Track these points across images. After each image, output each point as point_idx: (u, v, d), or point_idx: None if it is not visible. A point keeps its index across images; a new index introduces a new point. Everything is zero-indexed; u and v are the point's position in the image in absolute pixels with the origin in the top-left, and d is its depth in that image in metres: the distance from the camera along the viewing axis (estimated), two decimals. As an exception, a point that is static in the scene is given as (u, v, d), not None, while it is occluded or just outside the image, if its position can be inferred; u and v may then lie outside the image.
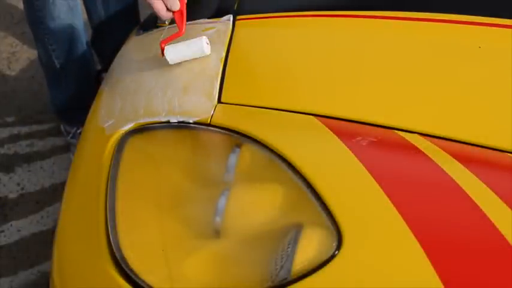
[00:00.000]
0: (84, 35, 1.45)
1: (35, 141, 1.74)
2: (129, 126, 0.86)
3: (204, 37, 0.91)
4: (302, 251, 0.66)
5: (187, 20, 0.97)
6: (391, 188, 0.68)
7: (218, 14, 1.05)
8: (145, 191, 0.83)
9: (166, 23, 1.06)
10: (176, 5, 0.91)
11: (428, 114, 0.82)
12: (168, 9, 0.91)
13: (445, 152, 0.75)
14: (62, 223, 0.85)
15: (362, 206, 0.68)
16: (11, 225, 1.52)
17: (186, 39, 0.91)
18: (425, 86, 0.86)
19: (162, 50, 0.91)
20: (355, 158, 0.72)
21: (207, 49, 0.91)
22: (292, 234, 0.69)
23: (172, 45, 0.91)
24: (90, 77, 1.55)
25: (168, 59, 0.91)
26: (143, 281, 0.70)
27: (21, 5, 1.44)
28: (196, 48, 0.91)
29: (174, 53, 0.90)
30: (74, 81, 1.52)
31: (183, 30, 0.92)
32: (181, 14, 0.92)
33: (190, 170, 0.83)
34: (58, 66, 1.46)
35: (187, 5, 0.98)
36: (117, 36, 1.23)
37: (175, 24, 0.99)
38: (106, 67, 1.15)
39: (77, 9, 1.40)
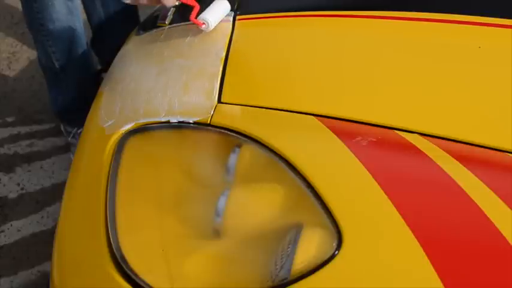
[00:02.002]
0: (83, 37, 1.45)
1: (35, 141, 1.74)
2: (129, 126, 0.86)
3: None
4: (302, 251, 0.66)
5: (188, 21, 0.98)
6: (391, 188, 0.68)
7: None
8: (145, 191, 0.83)
9: (167, 22, 1.06)
10: None
11: (429, 114, 0.82)
12: None
13: (445, 152, 0.75)
14: (62, 223, 0.85)
15: (362, 206, 0.68)
16: (11, 225, 1.52)
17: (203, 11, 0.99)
18: (425, 86, 0.86)
19: (198, 23, 0.96)
20: (355, 158, 0.72)
21: (228, 5, 1.00)
22: (292, 234, 0.69)
23: (202, 14, 0.97)
24: (90, 77, 1.55)
25: (210, 25, 0.97)
26: (143, 281, 0.71)
27: (21, 6, 1.44)
28: (223, 6, 1.00)
29: (211, 18, 0.97)
30: (73, 83, 1.52)
31: (197, 3, 0.99)
32: None
33: (190, 170, 0.83)
34: (58, 67, 1.46)
35: (188, 6, 0.98)
36: (117, 37, 1.23)
37: (175, 25, 0.99)
38: (106, 67, 1.15)
39: (76, 11, 1.40)
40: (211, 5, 0.99)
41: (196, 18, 0.97)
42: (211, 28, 0.97)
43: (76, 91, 1.53)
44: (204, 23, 0.96)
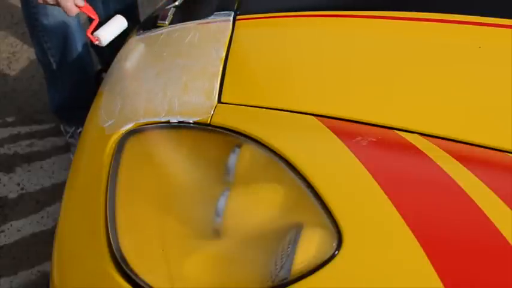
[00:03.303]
0: (79, 33, 1.44)
1: (35, 141, 1.74)
2: (129, 126, 0.86)
3: (118, 15, 1.07)
4: (302, 251, 0.66)
5: (188, 20, 0.98)
6: (391, 188, 0.68)
7: (218, 14, 1.05)
8: (145, 191, 0.83)
9: (167, 23, 1.06)
10: (81, 2, 1.05)
11: (429, 114, 0.82)
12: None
13: (445, 152, 0.75)
14: (62, 223, 0.85)
15: (362, 206, 0.68)
16: (11, 225, 1.52)
17: (104, 24, 1.05)
18: (425, 86, 0.86)
19: (92, 39, 1.02)
20: (355, 158, 0.72)
21: (125, 22, 1.06)
22: (292, 234, 0.69)
23: (98, 31, 1.03)
24: (87, 76, 1.54)
25: (102, 42, 1.02)
26: (143, 281, 0.71)
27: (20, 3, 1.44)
28: (119, 23, 1.05)
29: (104, 35, 1.02)
30: (70, 80, 1.51)
31: (96, 16, 1.06)
32: (86, 7, 1.06)
33: (190, 170, 0.83)
34: (54, 64, 1.46)
35: (188, 4, 0.98)
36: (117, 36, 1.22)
37: (175, 25, 0.99)
38: (106, 67, 1.15)
39: None
40: (109, 21, 1.05)
41: (92, 33, 1.02)
42: (105, 44, 1.03)
43: (73, 89, 1.53)
44: (97, 39, 1.02)
